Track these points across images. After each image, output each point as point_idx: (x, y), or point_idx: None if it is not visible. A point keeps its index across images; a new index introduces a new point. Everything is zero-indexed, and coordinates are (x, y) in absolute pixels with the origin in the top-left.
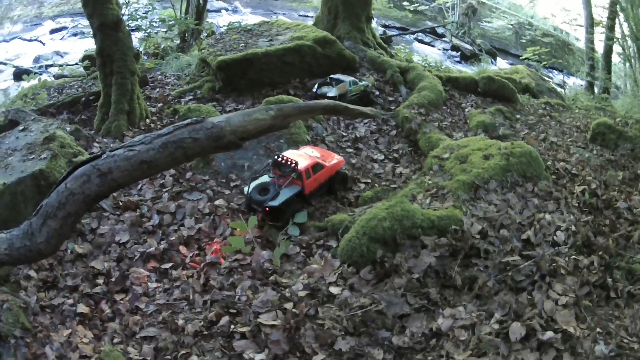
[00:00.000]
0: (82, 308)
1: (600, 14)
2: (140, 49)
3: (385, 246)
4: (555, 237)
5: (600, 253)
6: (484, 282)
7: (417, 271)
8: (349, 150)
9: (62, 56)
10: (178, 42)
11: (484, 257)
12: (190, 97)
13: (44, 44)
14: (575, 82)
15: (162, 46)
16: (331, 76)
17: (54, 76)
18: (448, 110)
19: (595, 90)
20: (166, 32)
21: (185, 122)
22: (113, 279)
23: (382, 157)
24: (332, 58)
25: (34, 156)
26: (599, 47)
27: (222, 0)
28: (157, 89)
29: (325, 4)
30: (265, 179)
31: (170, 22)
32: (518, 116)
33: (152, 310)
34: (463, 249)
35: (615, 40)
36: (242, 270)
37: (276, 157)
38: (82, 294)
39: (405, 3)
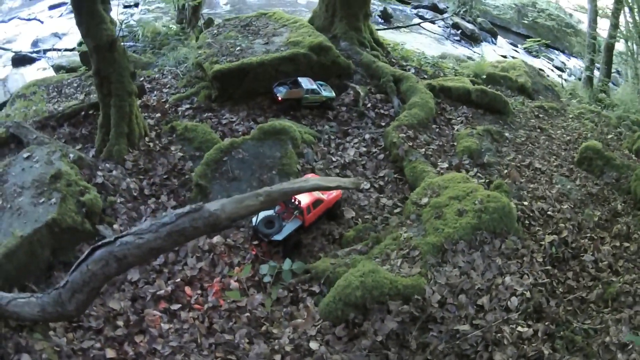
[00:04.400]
0: (110, 353)
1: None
2: (139, 31)
3: (357, 309)
4: (509, 303)
5: (547, 323)
6: (435, 347)
7: (381, 334)
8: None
9: (60, 38)
10: (175, 27)
11: (440, 322)
12: (187, 106)
13: (42, 23)
14: (576, 65)
15: (160, 34)
16: (298, 78)
17: (52, 66)
18: (437, 129)
19: (595, 82)
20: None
21: (186, 210)
22: (132, 322)
23: (368, 185)
24: (327, 66)
25: (44, 199)
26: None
27: None
28: (155, 93)
29: (322, 1)
30: (271, 212)
31: None
32: (507, 134)
33: (167, 352)
34: (422, 316)
35: (618, 38)
36: (240, 313)
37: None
38: (107, 337)
39: None
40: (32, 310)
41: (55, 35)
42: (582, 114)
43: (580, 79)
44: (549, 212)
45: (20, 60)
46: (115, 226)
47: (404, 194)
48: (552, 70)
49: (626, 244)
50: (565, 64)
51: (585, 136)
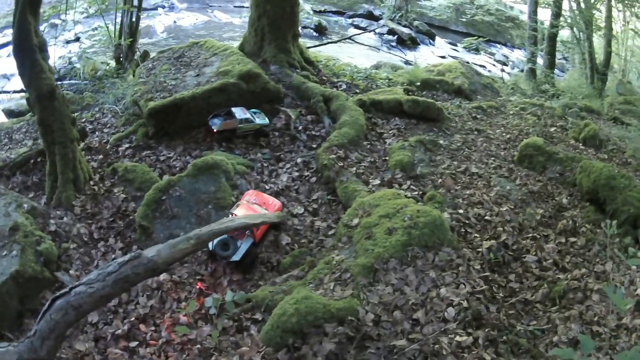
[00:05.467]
0: None
1: None
2: (80, 68)
3: (295, 334)
4: (445, 314)
5: (487, 330)
6: None
7: (320, 355)
8: None
9: (8, 79)
10: (114, 63)
11: (377, 339)
12: (127, 145)
13: None
14: (519, 57)
15: (98, 72)
16: (231, 109)
17: (2, 110)
18: (369, 145)
19: (538, 72)
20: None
21: (127, 258)
22: None
23: (302, 209)
24: (257, 93)
25: (6, 251)
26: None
27: None
28: (97, 133)
29: (252, 25)
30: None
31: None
32: (441, 141)
33: None
34: (358, 335)
35: (561, 27)
36: (191, 345)
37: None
38: None
39: None
40: (11, 358)
41: (4, 76)
42: (524, 108)
43: (522, 71)
44: (486, 217)
45: None
46: (72, 272)
47: (338, 214)
48: (493, 65)
49: (572, 239)
50: (507, 57)
51: (527, 132)
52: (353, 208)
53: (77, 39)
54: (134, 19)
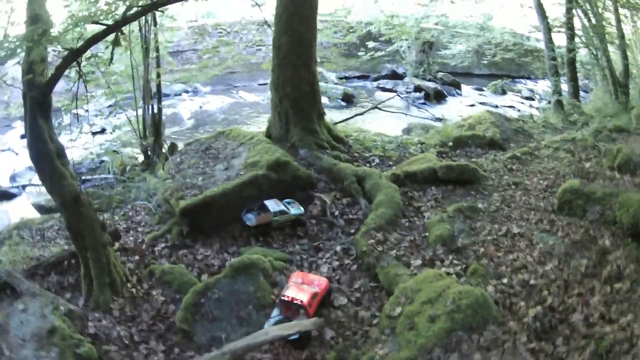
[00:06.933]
0: None
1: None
2: (108, 164)
3: None
4: None
5: None
6: None
7: None
8: None
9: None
10: (142, 157)
11: None
12: (163, 245)
13: (17, 154)
14: (545, 88)
15: (127, 168)
16: (264, 202)
17: (32, 204)
18: (407, 223)
19: (565, 103)
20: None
21: None
22: None
23: (345, 300)
24: (288, 182)
25: (44, 352)
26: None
27: (181, 82)
28: (131, 232)
29: (274, 109)
30: (278, 316)
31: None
32: (480, 205)
33: None
34: None
35: (576, 50)
36: None
37: (283, 298)
38: None
39: (360, 53)
40: None
41: (31, 168)
42: (557, 148)
43: (550, 102)
44: (530, 282)
45: (2, 196)
46: None
47: (382, 301)
48: (522, 103)
49: (618, 285)
50: (533, 91)
51: (563, 174)
52: (395, 296)
53: (103, 130)
54: (155, 111)
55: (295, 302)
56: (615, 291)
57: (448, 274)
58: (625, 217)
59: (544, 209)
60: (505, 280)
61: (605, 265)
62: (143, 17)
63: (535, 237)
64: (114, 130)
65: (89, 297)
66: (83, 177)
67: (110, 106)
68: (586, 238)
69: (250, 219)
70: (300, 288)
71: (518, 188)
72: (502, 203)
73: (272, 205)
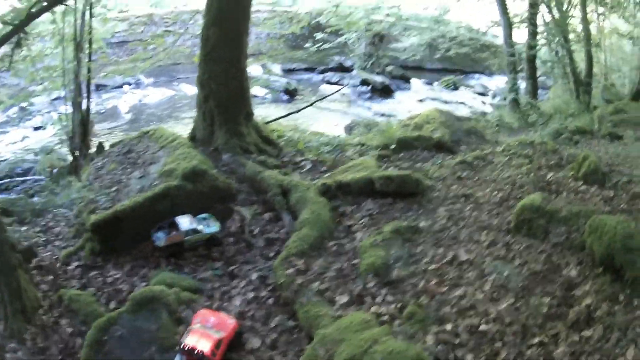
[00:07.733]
0: None
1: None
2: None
3: None
4: None
5: None
6: None
7: None
8: None
9: None
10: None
11: None
12: (76, 264)
13: None
14: (499, 85)
15: (54, 170)
16: (175, 219)
17: None
18: (335, 246)
19: (522, 101)
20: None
21: None
22: None
23: (259, 342)
24: (205, 193)
25: None
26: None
27: (122, 75)
28: (48, 247)
29: (199, 108)
30: None
31: None
32: (422, 223)
33: None
34: None
35: (539, 47)
36: None
37: (182, 347)
38: None
39: (307, 45)
40: None
41: None
42: (514, 153)
43: (505, 99)
44: (480, 328)
45: None
46: None
47: (301, 345)
48: (474, 99)
49: (587, 333)
50: (487, 87)
51: (521, 185)
52: (312, 347)
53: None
54: (83, 109)
55: (196, 351)
56: (584, 341)
57: (379, 315)
58: (597, 246)
59: (498, 228)
60: (449, 327)
61: (571, 304)
62: (77, 11)
63: (487, 266)
64: (45, 128)
65: (6, 324)
66: (15, 179)
67: (58, 98)
68: (548, 267)
69: (160, 238)
70: (204, 333)
71: (468, 201)
72: (448, 220)
73: (184, 222)
